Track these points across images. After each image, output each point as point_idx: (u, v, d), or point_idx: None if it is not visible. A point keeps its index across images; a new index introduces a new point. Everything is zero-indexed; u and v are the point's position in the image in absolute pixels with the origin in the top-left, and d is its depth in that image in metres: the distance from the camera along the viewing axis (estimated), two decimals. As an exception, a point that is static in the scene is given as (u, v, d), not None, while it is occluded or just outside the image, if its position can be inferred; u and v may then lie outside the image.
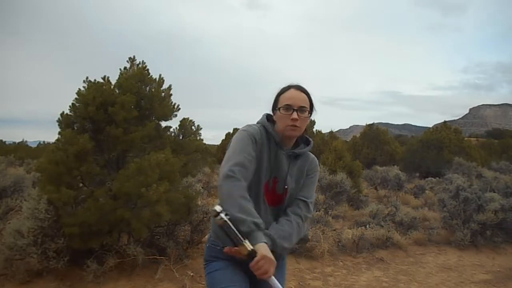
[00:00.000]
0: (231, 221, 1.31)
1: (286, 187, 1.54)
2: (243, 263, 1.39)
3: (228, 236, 1.32)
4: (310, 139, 1.65)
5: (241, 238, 1.30)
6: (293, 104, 1.49)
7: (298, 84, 1.56)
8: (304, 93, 1.54)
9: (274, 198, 1.54)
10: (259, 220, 1.33)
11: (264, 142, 1.51)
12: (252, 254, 1.28)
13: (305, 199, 1.56)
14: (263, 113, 1.61)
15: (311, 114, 1.57)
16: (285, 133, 1.51)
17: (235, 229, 1.30)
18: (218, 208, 1.32)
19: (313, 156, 1.66)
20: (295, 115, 1.47)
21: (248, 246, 1.29)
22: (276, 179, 1.53)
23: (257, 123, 1.58)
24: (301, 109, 1.50)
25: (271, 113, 1.60)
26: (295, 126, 1.49)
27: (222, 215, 1.31)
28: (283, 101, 1.51)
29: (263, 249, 1.29)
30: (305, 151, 1.59)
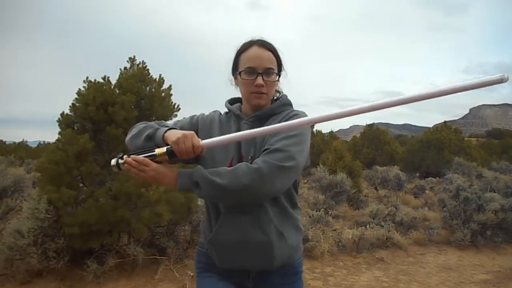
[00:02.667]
0: (133, 154, 1.12)
1: (251, 158, 1.19)
2: (233, 273, 1.24)
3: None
4: (282, 93, 1.34)
5: (151, 152, 1.12)
6: (257, 66, 1.20)
7: (261, 39, 1.25)
8: (270, 50, 1.24)
9: None
10: (158, 122, 1.24)
11: (217, 125, 1.29)
12: (169, 149, 1.10)
13: (268, 146, 1.14)
14: (227, 100, 1.38)
15: (279, 76, 1.26)
16: (250, 102, 1.24)
17: (141, 153, 1.12)
18: (112, 161, 1.13)
19: (291, 109, 1.28)
20: (260, 80, 1.19)
21: (161, 149, 1.11)
22: (242, 155, 1.21)
23: (225, 111, 1.37)
24: (267, 72, 1.20)
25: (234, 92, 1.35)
26: (261, 93, 1.21)
27: (113, 160, 1.12)
28: (244, 62, 1.22)
29: (172, 134, 1.11)
30: (272, 109, 1.25)
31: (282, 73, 1.28)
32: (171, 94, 4.30)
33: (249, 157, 1.19)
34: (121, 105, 3.70)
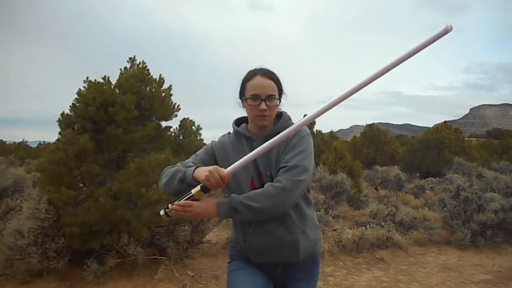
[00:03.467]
0: (174, 199, 1.33)
1: (269, 174, 1.42)
2: (263, 266, 1.49)
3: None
4: (283, 112, 1.52)
5: (189, 193, 1.31)
6: (260, 93, 1.39)
7: (264, 68, 1.45)
8: (271, 79, 1.43)
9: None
10: (187, 162, 1.45)
11: (234, 146, 1.49)
12: (202, 187, 1.29)
13: (284, 164, 1.36)
14: (234, 120, 1.58)
15: (280, 99, 1.46)
16: (256, 123, 1.44)
17: (182, 196, 1.32)
18: (161, 212, 1.36)
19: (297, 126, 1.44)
20: (263, 105, 1.39)
21: (196, 188, 1.30)
22: (261, 172, 1.43)
23: (233, 132, 1.56)
24: (269, 98, 1.40)
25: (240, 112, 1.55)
26: (265, 115, 1.41)
27: (162, 211, 1.35)
28: (250, 90, 1.41)
29: (200, 172, 1.31)
30: (277, 129, 1.43)
31: (283, 96, 1.48)
32: (171, 94, 4.30)
33: (268, 173, 1.42)
34: (121, 105, 3.70)
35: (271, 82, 1.42)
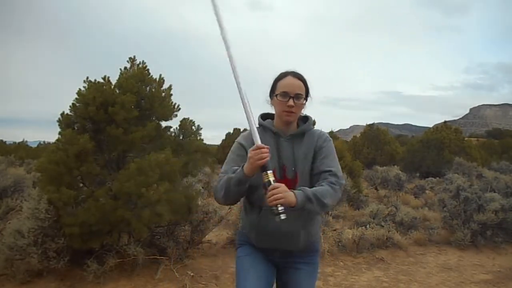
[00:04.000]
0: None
1: (293, 170, 1.55)
2: (267, 253, 1.63)
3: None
4: (308, 116, 1.68)
5: (267, 168, 1.39)
6: (289, 91, 1.54)
7: (294, 71, 1.61)
8: (301, 80, 1.59)
9: (286, 185, 1.41)
10: (234, 168, 1.52)
11: (262, 140, 1.51)
12: (267, 184, 1.37)
13: (328, 168, 1.54)
14: (259, 114, 1.70)
15: (306, 99, 1.61)
16: (282, 118, 1.59)
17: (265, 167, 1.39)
18: (282, 216, 1.36)
19: (320, 131, 1.67)
20: (291, 102, 1.54)
21: (269, 176, 1.38)
22: (284, 166, 1.56)
23: (257, 124, 1.62)
24: (297, 96, 1.55)
25: (266, 110, 1.70)
26: (291, 112, 1.55)
27: (278, 218, 1.36)
28: (280, 87, 1.57)
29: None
30: (304, 129, 1.62)
31: (308, 98, 1.62)
32: (171, 94, 4.29)
33: (292, 169, 1.56)
34: (121, 105, 3.70)
35: (300, 83, 1.58)
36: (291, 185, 1.49)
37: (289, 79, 1.57)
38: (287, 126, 1.60)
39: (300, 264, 1.63)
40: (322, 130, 1.66)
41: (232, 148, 1.64)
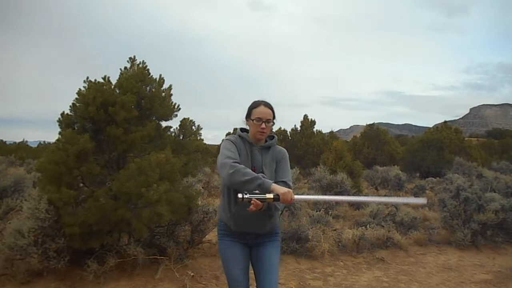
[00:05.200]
0: (250, 193, 1.84)
1: (261, 171, 2.06)
2: (239, 233, 2.10)
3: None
4: (274, 135, 2.20)
5: (264, 196, 1.84)
6: (262, 117, 2.06)
7: (265, 101, 2.12)
8: (270, 108, 2.11)
9: None
10: (260, 174, 1.92)
11: (241, 145, 2.09)
12: (275, 197, 1.84)
13: (282, 179, 2.07)
14: (238, 128, 2.19)
15: (274, 122, 2.13)
16: (256, 136, 2.10)
17: (257, 195, 1.83)
18: (239, 195, 1.83)
19: (280, 147, 2.21)
20: (263, 125, 2.07)
21: (270, 195, 1.84)
22: (254, 168, 2.06)
23: (237, 134, 2.15)
24: (267, 121, 2.08)
25: (243, 125, 2.19)
26: (263, 132, 2.08)
27: (239, 195, 1.83)
28: (255, 114, 2.08)
29: (277, 188, 1.87)
30: (270, 144, 2.15)
31: (275, 120, 2.14)
32: (171, 94, 4.29)
33: (260, 170, 2.06)
34: (121, 105, 3.70)
35: (270, 111, 2.10)
36: None
37: (262, 108, 2.08)
38: (259, 141, 2.13)
39: (266, 242, 2.14)
40: (282, 148, 2.21)
41: (224, 144, 2.06)
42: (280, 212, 2.30)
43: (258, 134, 2.08)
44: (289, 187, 1.99)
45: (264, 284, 2.08)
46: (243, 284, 2.06)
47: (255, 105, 2.10)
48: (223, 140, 2.10)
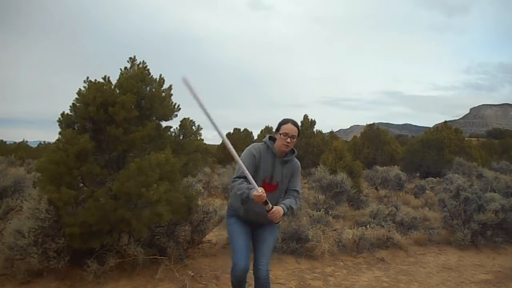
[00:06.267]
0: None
1: (278, 181, 2.55)
2: (246, 219, 2.60)
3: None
4: (295, 150, 2.59)
5: (268, 203, 2.32)
6: (289, 133, 2.46)
7: (294, 120, 2.54)
8: (297, 127, 2.52)
9: (270, 187, 2.52)
10: (247, 187, 2.36)
11: (262, 155, 2.50)
12: (268, 209, 2.34)
13: (295, 188, 2.62)
14: (267, 135, 2.61)
15: (297, 138, 2.53)
16: (281, 149, 2.50)
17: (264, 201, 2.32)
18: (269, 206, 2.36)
19: (296, 160, 2.63)
20: (289, 140, 2.46)
21: (269, 205, 2.33)
22: (272, 176, 2.53)
23: (263, 141, 2.55)
24: (292, 137, 2.47)
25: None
26: (288, 145, 2.48)
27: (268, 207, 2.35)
28: (283, 129, 2.48)
29: (275, 208, 2.38)
30: (291, 158, 2.58)
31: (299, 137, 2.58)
32: (171, 94, 4.29)
33: (277, 180, 2.56)
34: (121, 105, 3.69)
35: (296, 129, 2.50)
36: (274, 188, 2.54)
37: (289, 125, 2.48)
38: (282, 153, 2.53)
39: (265, 225, 2.61)
40: (297, 161, 2.65)
41: (244, 154, 2.51)
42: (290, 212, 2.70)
43: (283, 146, 2.47)
44: (298, 194, 2.61)
45: (257, 252, 2.55)
46: (244, 251, 2.49)
47: (284, 121, 2.51)
48: (246, 149, 2.54)
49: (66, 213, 3.45)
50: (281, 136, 2.46)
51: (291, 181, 2.58)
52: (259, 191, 2.24)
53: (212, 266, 4.12)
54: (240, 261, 2.46)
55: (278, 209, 2.35)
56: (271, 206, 2.32)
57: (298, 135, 2.52)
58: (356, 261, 4.64)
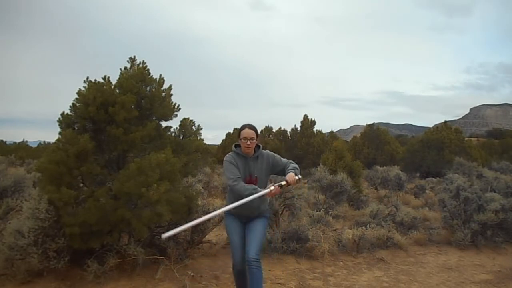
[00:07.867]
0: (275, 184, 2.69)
1: (256, 176, 2.88)
2: (239, 215, 2.89)
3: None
4: (260, 145, 2.93)
5: (280, 183, 2.68)
6: (247, 137, 2.81)
7: (250, 124, 2.89)
8: (253, 129, 2.85)
9: (252, 182, 2.84)
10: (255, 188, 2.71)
11: (237, 160, 2.85)
12: (285, 184, 2.70)
13: (285, 164, 2.92)
14: (234, 144, 2.96)
15: (257, 139, 2.86)
16: (245, 151, 2.85)
17: (278, 184, 2.67)
18: (283, 182, 2.70)
19: (265, 151, 2.96)
20: (249, 142, 2.81)
21: (283, 183, 2.69)
22: (251, 174, 2.88)
23: (232, 150, 2.90)
24: (251, 139, 2.82)
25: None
26: (249, 146, 2.82)
27: (272, 186, 2.66)
28: (242, 135, 2.83)
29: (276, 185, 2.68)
30: (259, 153, 2.91)
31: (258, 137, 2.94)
32: (171, 94, 4.29)
33: (255, 175, 2.88)
34: (121, 105, 3.70)
35: (253, 131, 2.84)
36: (254, 182, 2.82)
37: (246, 130, 2.83)
38: (249, 154, 2.87)
39: (255, 219, 2.90)
40: (267, 151, 2.99)
41: (225, 164, 2.84)
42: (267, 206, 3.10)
43: (246, 148, 2.84)
44: (291, 163, 2.90)
45: (247, 241, 2.83)
46: (240, 246, 2.85)
47: (242, 128, 2.88)
48: (224, 160, 2.86)
49: (66, 213, 3.45)
50: (242, 140, 2.83)
51: (279, 166, 2.92)
52: (267, 191, 2.61)
53: (212, 266, 4.12)
54: (236, 255, 2.86)
55: (290, 175, 2.71)
56: (284, 181, 2.67)
57: (257, 135, 2.88)
58: (356, 261, 4.64)
